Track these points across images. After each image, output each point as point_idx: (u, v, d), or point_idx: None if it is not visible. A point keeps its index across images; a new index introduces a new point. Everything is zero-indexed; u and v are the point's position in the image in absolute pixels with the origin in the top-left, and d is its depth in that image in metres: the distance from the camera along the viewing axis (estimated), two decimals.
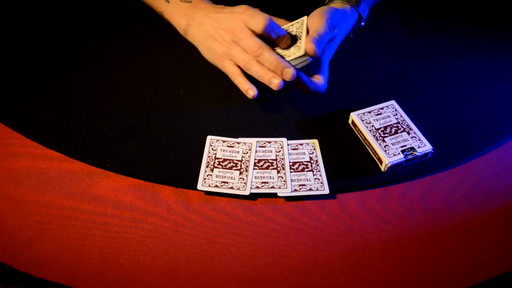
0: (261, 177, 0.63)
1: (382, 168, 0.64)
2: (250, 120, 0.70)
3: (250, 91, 0.67)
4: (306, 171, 0.63)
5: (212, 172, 0.63)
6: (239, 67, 0.68)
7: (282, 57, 0.65)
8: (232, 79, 0.69)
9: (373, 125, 0.67)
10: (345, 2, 0.71)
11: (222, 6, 0.71)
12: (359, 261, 0.57)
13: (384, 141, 0.65)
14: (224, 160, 0.64)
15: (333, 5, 0.71)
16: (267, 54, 0.64)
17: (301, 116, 0.71)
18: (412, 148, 0.64)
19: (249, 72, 0.66)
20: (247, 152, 0.65)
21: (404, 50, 0.81)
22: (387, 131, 0.66)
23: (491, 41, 0.83)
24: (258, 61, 0.65)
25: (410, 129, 0.66)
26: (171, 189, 0.62)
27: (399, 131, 0.66)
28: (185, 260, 0.56)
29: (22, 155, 0.65)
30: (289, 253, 0.57)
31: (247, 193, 0.61)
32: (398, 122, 0.67)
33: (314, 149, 0.66)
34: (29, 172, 0.63)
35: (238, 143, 0.66)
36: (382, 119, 0.68)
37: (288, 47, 0.66)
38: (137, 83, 0.73)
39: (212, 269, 0.55)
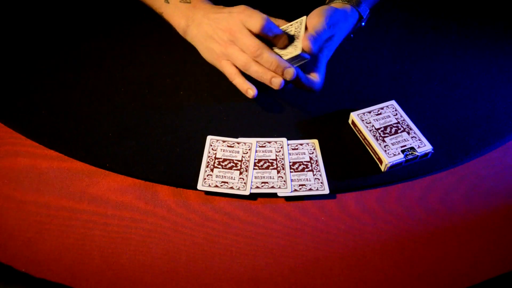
0: (261, 177, 0.63)
1: (382, 168, 0.64)
2: (250, 120, 0.70)
3: (250, 90, 0.67)
4: (306, 171, 0.63)
5: (212, 172, 0.63)
6: (237, 67, 0.68)
7: (279, 56, 0.65)
8: (231, 79, 0.69)
9: (373, 125, 0.67)
10: (346, 2, 0.71)
11: (221, 6, 0.71)
12: (359, 261, 0.57)
13: (384, 141, 0.65)
14: (224, 160, 0.64)
15: (333, 5, 0.71)
16: (267, 55, 0.64)
17: (301, 116, 0.71)
18: (412, 148, 0.64)
19: (248, 73, 0.66)
20: (247, 152, 0.65)
21: (404, 50, 0.81)
22: (387, 131, 0.66)
23: (491, 41, 0.83)
24: (257, 61, 0.65)
25: (410, 129, 0.66)
26: (171, 189, 0.62)
27: (399, 131, 0.66)
28: (185, 260, 0.56)
29: (22, 155, 0.65)
30: (289, 253, 0.57)
31: (247, 193, 0.61)
32: (398, 122, 0.67)
33: (314, 149, 0.66)
34: (29, 172, 0.63)
35: (238, 143, 0.66)
36: (382, 119, 0.68)
37: (285, 46, 0.66)
38: (137, 83, 0.73)
39: (212, 269, 0.55)
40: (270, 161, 0.64)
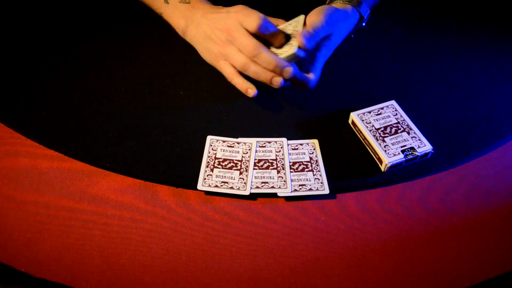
0: (261, 177, 0.63)
1: (382, 168, 0.64)
2: (250, 120, 0.70)
3: (250, 90, 0.67)
4: (306, 171, 0.63)
5: (212, 172, 0.63)
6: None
7: (276, 55, 0.65)
8: (229, 79, 0.69)
9: (373, 125, 0.67)
10: (346, 2, 0.71)
11: (220, 6, 0.71)
12: (359, 261, 0.57)
13: (384, 141, 0.65)
14: (224, 160, 0.64)
15: (334, 5, 0.71)
16: (264, 54, 0.64)
17: (301, 116, 0.71)
18: (412, 148, 0.64)
19: (247, 73, 0.66)
20: (247, 152, 0.65)
21: (404, 50, 0.81)
22: (387, 131, 0.66)
23: (491, 41, 0.83)
24: (255, 61, 0.65)
25: (410, 129, 0.66)
26: (171, 189, 0.62)
27: (399, 131, 0.66)
28: (185, 260, 0.56)
29: (22, 155, 0.65)
30: (289, 253, 0.57)
31: (247, 193, 0.61)
32: (398, 122, 0.67)
33: (314, 149, 0.66)
34: (29, 172, 0.63)
35: (238, 143, 0.66)
36: (382, 119, 0.68)
37: (282, 45, 0.66)
38: (137, 83, 0.73)
39: (212, 269, 0.55)
40: (270, 161, 0.64)
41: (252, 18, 0.64)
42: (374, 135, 0.66)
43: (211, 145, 0.66)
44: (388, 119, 0.68)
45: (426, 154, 0.65)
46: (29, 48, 0.78)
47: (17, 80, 0.73)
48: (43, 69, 0.74)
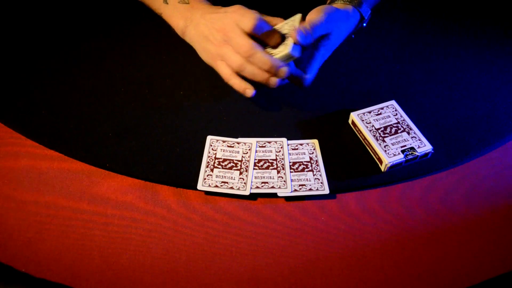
0: (261, 177, 0.63)
1: (382, 168, 0.64)
2: (250, 120, 0.70)
3: (248, 90, 0.67)
4: (306, 171, 0.63)
5: (212, 172, 0.63)
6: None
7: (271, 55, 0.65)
8: (226, 80, 0.68)
9: (373, 125, 0.67)
10: (347, 3, 0.71)
11: (219, 6, 0.71)
12: (359, 261, 0.57)
13: (384, 141, 0.65)
14: (224, 160, 0.64)
15: (335, 5, 0.71)
16: (259, 55, 0.64)
17: (301, 116, 0.71)
18: (412, 148, 0.64)
19: (243, 74, 0.66)
20: (247, 152, 0.65)
21: (404, 50, 0.81)
22: (387, 131, 0.66)
23: (491, 41, 0.83)
24: (250, 61, 0.65)
25: (410, 129, 0.66)
26: (171, 189, 0.62)
27: (399, 131, 0.66)
28: (185, 260, 0.56)
29: (22, 155, 0.65)
30: (289, 253, 0.57)
31: (247, 193, 0.61)
32: (398, 122, 0.67)
33: (314, 149, 0.66)
34: (29, 172, 0.63)
35: (238, 143, 0.66)
36: (382, 119, 0.68)
37: (278, 45, 0.66)
38: (137, 83, 0.73)
39: (212, 269, 0.55)
40: (270, 161, 0.64)
41: (247, 18, 0.64)
42: (374, 135, 0.66)
43: (211, 145, 0.66)
44: (388, 119, 0.68)
45: (426, 154, 0.65)
46: (29, 48, 0.78)
47: (17, 80, 0.73)
48: (43, 69, 0.74)
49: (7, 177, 0.62)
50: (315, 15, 0.66)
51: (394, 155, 0.63)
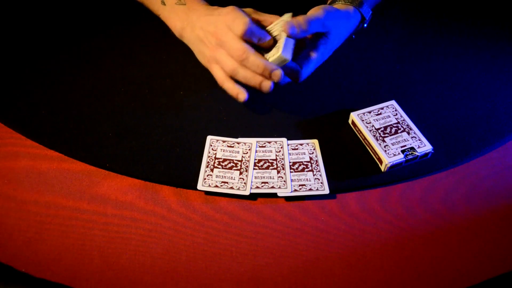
0: (261, 177, 0.63)
1: (382, 168, 0.64)
2: (250, 120, 0.70)
3: (241, 95, 0.66)
4: (306, 171, 0.63)
5: (212, 172, 0.63)
6: None
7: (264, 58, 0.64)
8: (220, 84, 0.68)
9: (373, 125, 0.67)
10: (348, 3, 0.71)
11: (215, 7, 0.70)
12: (359, 261, 0.57)
13: (384, 141, 0.65)
14: (224, 160, 0.64)
15: (335, 5, 0.71)
16: (252, 58, 0.63)
17: (301, 116, 0.71)
18: (412, 148, 0.64)
19: (236, 78, 0.66)
20: (247, 152, 0.65)
21: (404, 50, 0.81)
22: (387, 131, 0.66)
23: (491, 41, 0.83)
24: (244, 65, 0.65)
25: (410, 129, 0.66)
26: (171, 189, 0.62)
27: (399, 131, 0.66)
28: (185, 260, 0.56)
29: (22, 155, 0.65)
30: (289, 253, 0.57)
31: (247, 193, 0.61)
32: (398, 122, 0.67)
33: (314, 149, 0.66)
34: (29, 172, 0.63)
35: (238, 143, 0.66)
36: (382, 119, 0.68)
37: (271, 48, 0.66)
38: (137, 83, 0.73)
39: (212, 269, 0.55)
40: (270, 161, 0.64)
41: (237, 24, 0.63)
42: (374, 135, 0.66)
43: (211, 145, 0.66)
44: (388, 119, 0.68)
45: (426, 154, 0.65)
46: (29, 48, 0.78)
47: (17, 80, 0.73)
48: (43, 69, 0.74)
49: (7, 177, 0.62)
50: (314, 11, 0.66)
51: (394, 155, 0.63)
